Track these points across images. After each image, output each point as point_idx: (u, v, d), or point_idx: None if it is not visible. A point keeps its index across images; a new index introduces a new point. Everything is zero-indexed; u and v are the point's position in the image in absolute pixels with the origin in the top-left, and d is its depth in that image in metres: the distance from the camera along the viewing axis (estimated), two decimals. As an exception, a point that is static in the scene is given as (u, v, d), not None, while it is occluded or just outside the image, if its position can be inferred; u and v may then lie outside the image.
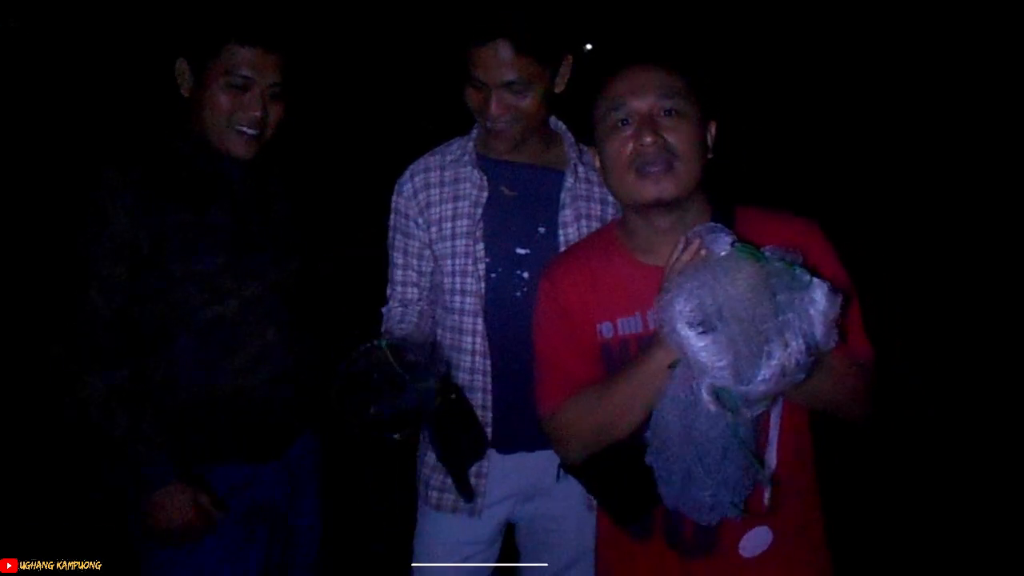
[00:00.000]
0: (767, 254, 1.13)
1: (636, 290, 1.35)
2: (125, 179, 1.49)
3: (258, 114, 1.54)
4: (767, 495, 1.30)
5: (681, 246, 1.20)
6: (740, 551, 1.35)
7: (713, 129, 1.38)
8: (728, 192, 1.41)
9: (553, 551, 1.81)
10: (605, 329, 1.38)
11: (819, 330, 1.11)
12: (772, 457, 1.31)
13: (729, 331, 1.08)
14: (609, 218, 1.74)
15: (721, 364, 1.08)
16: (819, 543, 1.45)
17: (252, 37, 1.51)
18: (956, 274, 5.46)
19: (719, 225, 1.18)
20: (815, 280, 1.11)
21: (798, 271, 1.11)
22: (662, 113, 1.30)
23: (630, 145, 1.31)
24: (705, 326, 1.09)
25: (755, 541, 1.36)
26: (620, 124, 1.32)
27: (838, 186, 6.91)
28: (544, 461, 1.72)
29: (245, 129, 1.55)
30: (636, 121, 1.31)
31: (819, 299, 1.11)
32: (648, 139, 1.28)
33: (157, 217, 1.50)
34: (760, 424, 1.28)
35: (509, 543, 1.88)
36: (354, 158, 6.05)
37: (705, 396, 1.13)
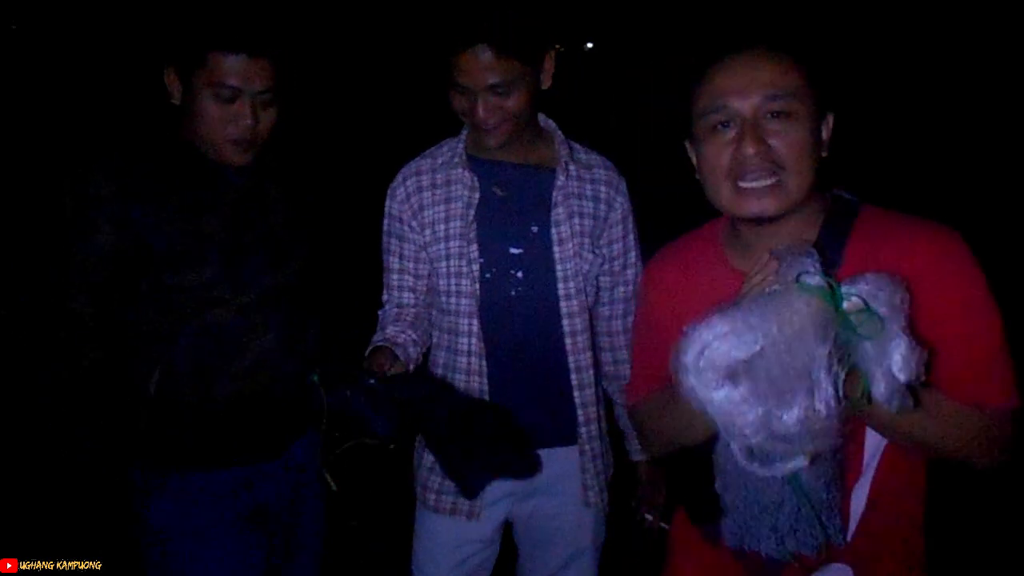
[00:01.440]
0: (848, 290, 0.95)
1: (723, 295, 1.17)
2: (118, 189, 1.47)
3: (249, 123, 1.51)
4: (852, 528, 1.18)
5: (757, 268, 1.04)
6: None
7: (831, 122, 1.19)
8: (852, 189, 1.26)
9: (551, 549, 1.82)
10: None
11: (881, 387, 0.96)
12: (862, 495, 1.17)
13: (756, 383, 0.93)
14: (602, 215, 1.76)
15: (743, 422, 0.94)
16: None
17: (236, 44, 1.48)
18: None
19: (807, 249, 1.00)
20: (894, 330, 0.94)
21: (876, 319, 0.94)
22: (769, 116, 1.12)
23: (729, 152, 1.14)
24: (723, 377, 0.94)
25: None
26: (720, 127, 1.15)
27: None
28: (541, 459, 1.72)
29: (237, 139, 1.53)
30: (738, 125, 1.13)
31: (894, 355, 0.94)
32: (750, 150, 1.11)
33: (150, 228, 1.49)
34: (846, 460, 1.14)
35: (508, 540, 1.88)
36: (349, 161, 6.04)
37: (736, 453, 1.01)
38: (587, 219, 1.73)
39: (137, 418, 1.56)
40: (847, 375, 0.97)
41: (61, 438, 1.61)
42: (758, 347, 0.93)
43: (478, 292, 1.68)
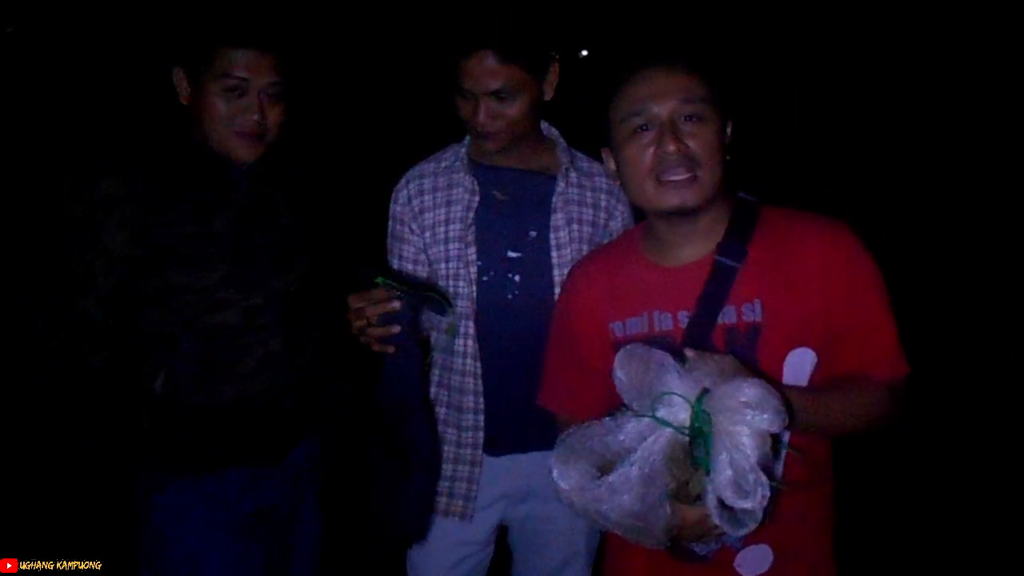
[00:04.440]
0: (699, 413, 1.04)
1: (645, 291, 1.35)
2: (128, 190, 1.48)
3: (257, 117, 1.53)
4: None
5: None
6: (737, 567, 1.31)
7: (730, 128, 1.34)
8: (753, 191, 1.38)
9: (545, 552, 1.83)
10: (617, 328, 1.38)
11: (713, 510, 1.06)
12: (778, 470, 1.25)
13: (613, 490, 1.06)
14: (601, 222, 1.77)
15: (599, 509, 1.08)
16: (827, 565, 1.38)
17: (244, 39, 1.50)
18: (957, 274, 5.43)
19: (667, 362, 1.08)
20: (726, 459, 1.03)
21: (705, 451, 1.05)
22: (683, 119, 1.25)
23: (650, 152, 1.26)
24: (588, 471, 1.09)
25: (754, 559, 1.31)
26: (640, 130, 1.27)
27: (861, 182, 6.74)
28: (536, 462, 1.74)
29: (245, 133, 1.54)
30: (657, 127, 1.26)
31: (722, 481, 1.03)
32: (671, 147, 1.24)
33: (159, 229, 1.50)
34: None
35: (504, 544, 1.89)
36: (355, 165, 6.04)
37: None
38: (586, 226, 1.74)
39: (142, 419, 1.57)
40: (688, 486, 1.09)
41: (61, 438, 1.62)
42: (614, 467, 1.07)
43: (475, 294, 1.70)
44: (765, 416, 1.02)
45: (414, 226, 1.76)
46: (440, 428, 1.75)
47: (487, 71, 1.56)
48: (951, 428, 3.61)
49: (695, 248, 1.33)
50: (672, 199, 1.26)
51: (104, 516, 1.75)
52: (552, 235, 1.72)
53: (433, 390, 1.78)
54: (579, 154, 1.82)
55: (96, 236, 1.48)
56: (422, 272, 1.78)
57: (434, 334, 1.79)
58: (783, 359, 1.27)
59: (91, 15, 6.83)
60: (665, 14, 8.20)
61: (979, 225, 5.86)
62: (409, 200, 1.77)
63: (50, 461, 1.73)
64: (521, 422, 1.71)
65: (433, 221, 1.74)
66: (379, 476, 1.58)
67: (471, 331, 1.70)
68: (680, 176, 1.25)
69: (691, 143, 1.25)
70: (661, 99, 1.26)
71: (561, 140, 1.81)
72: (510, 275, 1.71)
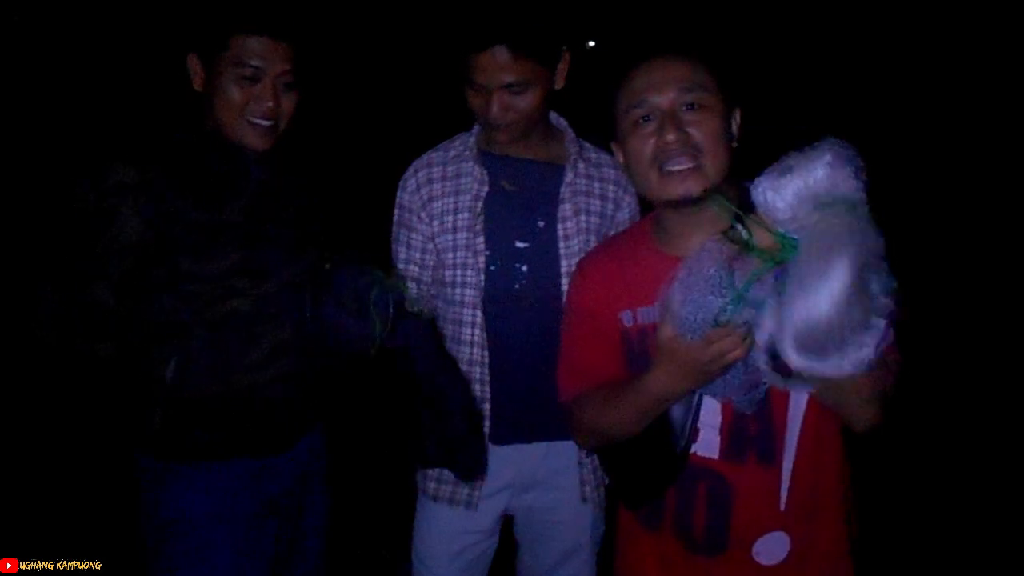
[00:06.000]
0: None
1: (657, 280, 1.31)
2: (141, 178, 1.48)
3: (271, 104, 1.53)
4: (783, 496, 1.27)
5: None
6: (755, 556, 1.31)
7: (738, 117, 1.33)
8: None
9: (549, 543, 1.83)
10: (626, 318, 1.37)
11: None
12: (788, 468, 1.28)
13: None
14: (609, 213, 1.78)
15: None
16: (844, 558, 1.37)
17: (259, 27, 1.50)
18: (954, 273, 5.44)
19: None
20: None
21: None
22: (684, 108, 1.26)
23: (652, 142, 1.27)
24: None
25: (771, 547, 1.31)
26: (642, 121, 1.28)
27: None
28: (540, 452, 1.76)
29: (259, 121, 1.54)
30: (658, 117, 1.27)
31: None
32: (671, 137, 1.24)
33: (171, 217, 1.49)
34: (775, 419, 1.26)
35: (509, 535, 1.89)
36: (363, 154, 6.04)
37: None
38: (594, 216, 1.74)
39: (151, 408, 1.56)
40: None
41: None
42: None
43: (482, 283, 1.70)
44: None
45: (423, 215, 1.75)
46: None
47: (501, 65, 1.55)
48: (949, 428, 3.60)
49: (704, 237, 1.29)
50: (676, 189, 1.26)
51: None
52: (560, 225, 1.71)
53: None
54: (587, 144, 1.81)
55: (108, 223, 1.47)
56: (429, 261, 1.77)
57: (439, 303, 1.78)
58: None
59: (100, 5, 6.82)
60: (670, 4, 8.23)
61: (979, 225, 5.86)
62: (418, 188, 1.76)
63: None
64: (527, 411, 1.71)
65: (441, 210, 1.73)
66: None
67: (479, 320, 1.70)
68: (683, 166, 1.25)
69: (693, 131, 1.25)
70: (661, 89, 1.27)
71: (570, 130, 1.80)
72: (518, 265, 1.70)
